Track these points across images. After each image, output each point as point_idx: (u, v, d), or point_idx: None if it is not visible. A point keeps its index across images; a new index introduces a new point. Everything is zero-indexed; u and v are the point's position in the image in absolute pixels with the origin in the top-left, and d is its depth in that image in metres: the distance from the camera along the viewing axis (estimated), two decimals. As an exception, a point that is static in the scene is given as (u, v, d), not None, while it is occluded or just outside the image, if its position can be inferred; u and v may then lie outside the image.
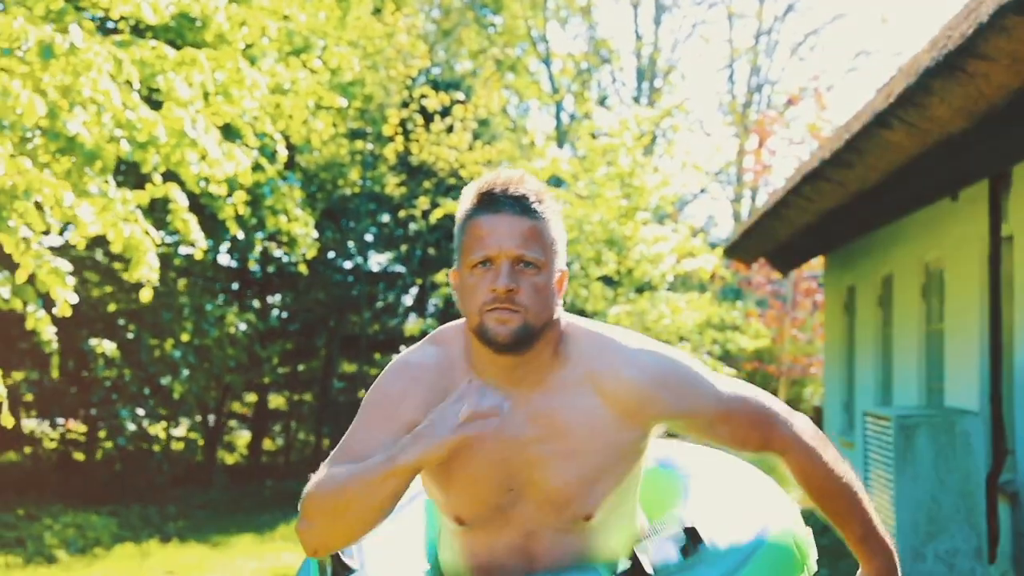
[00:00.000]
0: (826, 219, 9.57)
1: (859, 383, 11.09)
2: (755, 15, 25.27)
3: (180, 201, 8.33)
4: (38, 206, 7.11)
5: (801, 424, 2.41)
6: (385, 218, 16.55)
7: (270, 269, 15.75)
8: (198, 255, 9.41)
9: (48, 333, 7.24)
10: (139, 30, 11.74)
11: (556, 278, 2.33)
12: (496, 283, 2.24)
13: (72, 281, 7.04)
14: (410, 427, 2.27)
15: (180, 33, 11.84)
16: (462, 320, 2.41)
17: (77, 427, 13.23)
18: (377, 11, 16.58)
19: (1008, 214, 6.94)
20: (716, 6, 26.59)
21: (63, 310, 6.86)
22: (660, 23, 24.53)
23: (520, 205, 2.27)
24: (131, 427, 12.30)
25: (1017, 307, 6.85)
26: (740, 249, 13.01)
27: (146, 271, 7.58)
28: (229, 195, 10.05)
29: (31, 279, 7.16)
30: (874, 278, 10.60)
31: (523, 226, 2.26)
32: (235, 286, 15.74)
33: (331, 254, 16.25)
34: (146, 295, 8.08)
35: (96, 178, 7.56)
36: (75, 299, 7.00)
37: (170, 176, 9.81)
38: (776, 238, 11.31)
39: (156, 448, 13.15)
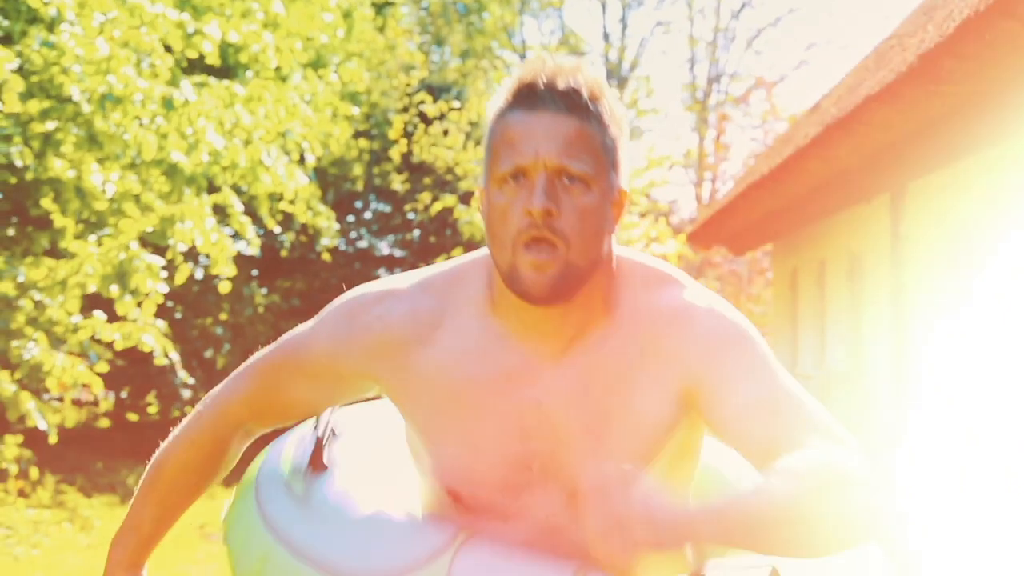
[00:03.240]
0: (774, 214, 11.72)
1: (801, 348, 13.26)
2: (713, 11, 27.33)
3: (237, 207, 10.36)
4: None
5: (831, 454, 1.64)
6: (387, 209, 18.54)
7: (285, 255, 17.77)
8: (254, 248, 11.44)
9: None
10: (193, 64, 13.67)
11: (613, 199, 1.78)
12: (530, 202, 1.71)
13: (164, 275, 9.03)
14: (361, 374, 1.88)
15: (223, 57, 13.78)
16: (477, 254, 1.89)
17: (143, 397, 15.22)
18: (380, 29, 18.53)
19: (904, 217, 9.08)
20: (677, 2, 28.62)
21: (156, 299, 8.53)
22: (626, 23, 26.61)
23: (567, 101, 1.73)
24: (186, 393, 14.35)
25: (910, 287, 9.01)
26: (702, 235, 15.15)
27: (226, 269, 9.54)
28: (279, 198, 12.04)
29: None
30: (812, 262, 12.77)
31: (568, 128, 1.72)
32: (257, 271, 17.74)
33: (340, 241, 18.26)
34: (225, 287, 10.11)
35: (193, 196, 9.57)
36: (165, 288, 8.84)
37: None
38: (732, 228, 13.46)
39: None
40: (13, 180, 8.50)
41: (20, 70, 7.37)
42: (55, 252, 8.96)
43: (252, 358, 1.95)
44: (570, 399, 1.79)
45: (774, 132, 25.46)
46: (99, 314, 7.87)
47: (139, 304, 8.03)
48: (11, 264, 7.46)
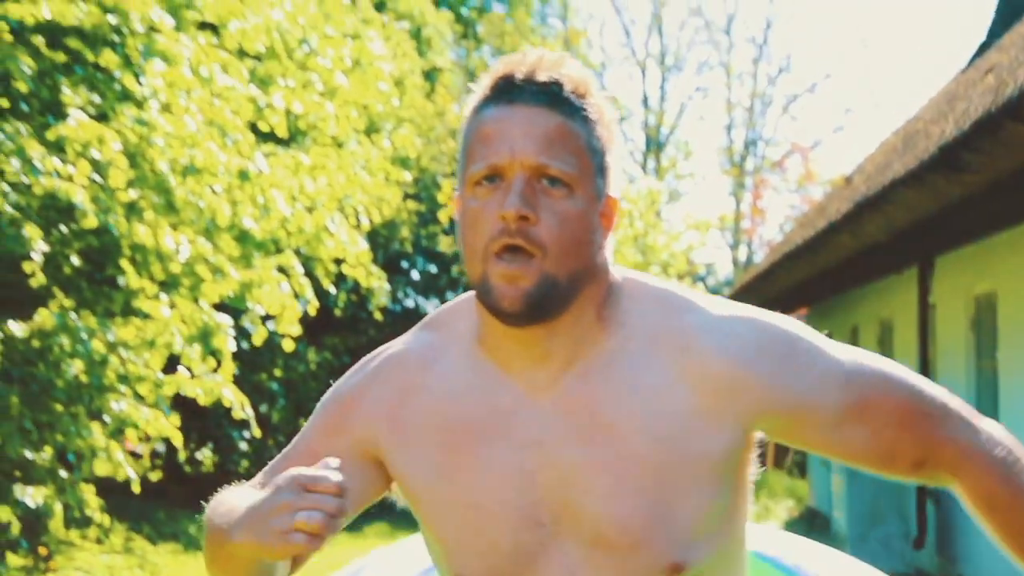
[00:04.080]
0: (809, 282, 12.30)
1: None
2: (751, 77, 27.99)
3: (297, 268, 11.01)
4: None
5: (988, 430, 1.59)
6: (433, 269, 19.17)
7: (339, 313, 18.41)
8: (311, 311, 12.07)
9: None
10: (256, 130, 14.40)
11: (600, 208, 1.59)
12: (503, 205, 1.53)
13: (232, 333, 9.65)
14: (363, 441, 1.69)
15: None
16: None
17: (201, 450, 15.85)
18: (429, 95, 19.24)
19: (932, 288, 9.62)
20: (715, 68, 29.33)
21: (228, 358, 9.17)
22: (665, 88, 27.31)
23: (547, 95, 1.56)
24: (243, 446, 14.96)
25: (940, 350, 9.52)
26: (739, 299, 15.70)
27: (292, 328, 10.16)
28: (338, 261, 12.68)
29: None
30: (845, 327, 13.30)
31: (548, 124, 1.54)
32: (309, 330, 18.40)
33: (386, 300, 18.91)
34: (289, 345, 10.73)
35: (263, 260, 10.22)
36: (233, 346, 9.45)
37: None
38: (768, 293, 14.02)
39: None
40: (96, 243, 9.19)
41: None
42: (130, 311, 9.61)
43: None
44: (574, 433, 1.56)
45: (810, 196, 26.02)
46: (183, 370, 8.50)
47: (218, 362, 8.65)
48: (103, 324, 8.09)
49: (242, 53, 10.31)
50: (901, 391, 1.58)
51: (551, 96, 1.56)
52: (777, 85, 27.79)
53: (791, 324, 1.64)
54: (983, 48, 11.31)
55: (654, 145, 26.97)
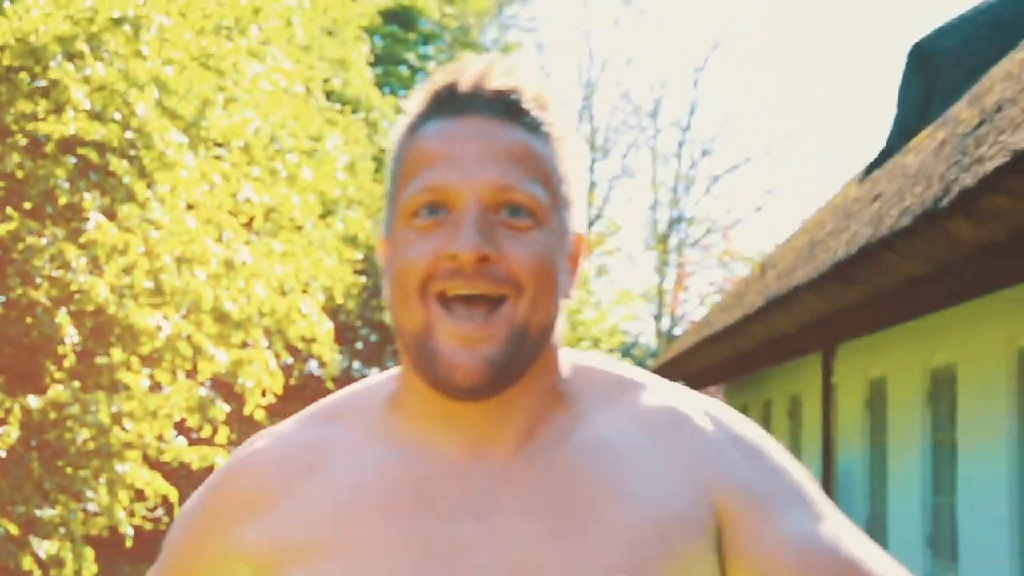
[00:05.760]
0: (727, 360, 13.69)
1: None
2: (675, 157, 29.58)
3: (262, 342, 12.18)
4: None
5: None
6: (374, 338, 20.34)
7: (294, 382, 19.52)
8: (289, 382, 13.22)
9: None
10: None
11: (569, 247, 1.25)
12: (455, 242, 1.16)
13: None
14: (224, 558, 1.29)
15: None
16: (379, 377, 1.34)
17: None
18: (377, 179, 20.50)
19: (835, 371, 11.01)
20: (641, 148, 30.92)
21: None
22: (594, 170, 28.83)
23: (503, 105, 1.21)
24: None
25: (841, 427, 10.91)
26: (663, 372, 17.07)
27: (265, 399, 11.27)
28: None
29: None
30: (759, 401, 14.71)
31: (509, 138, 1.20)
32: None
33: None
34: (259, 414, 11.87)
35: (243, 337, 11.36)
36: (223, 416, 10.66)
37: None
38: (690, 368, 15.41)
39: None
40: (90, 324, 10.32)
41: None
42: (113, 385, 10.72)
43: None
44: (540, 519, 1.21)
45: (731, 272, 27.58)
46: (181, 440, 9.64)
47: (214, 431, 9.80)
48: (110, 398, 9.22)
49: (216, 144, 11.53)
50: (855, 535, 1.27)
51: (509, 107, 1.21)
52: (699, 167, 29.35)
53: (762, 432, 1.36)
54: (883, 156, 12.66)
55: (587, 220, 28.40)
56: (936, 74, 10.37)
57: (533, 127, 1.22)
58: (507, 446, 1.24)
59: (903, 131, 12.35)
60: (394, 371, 1.32)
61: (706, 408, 1.31)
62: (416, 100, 1.27)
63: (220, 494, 1.33)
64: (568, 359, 1.30)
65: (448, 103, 1.22)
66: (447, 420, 1.24)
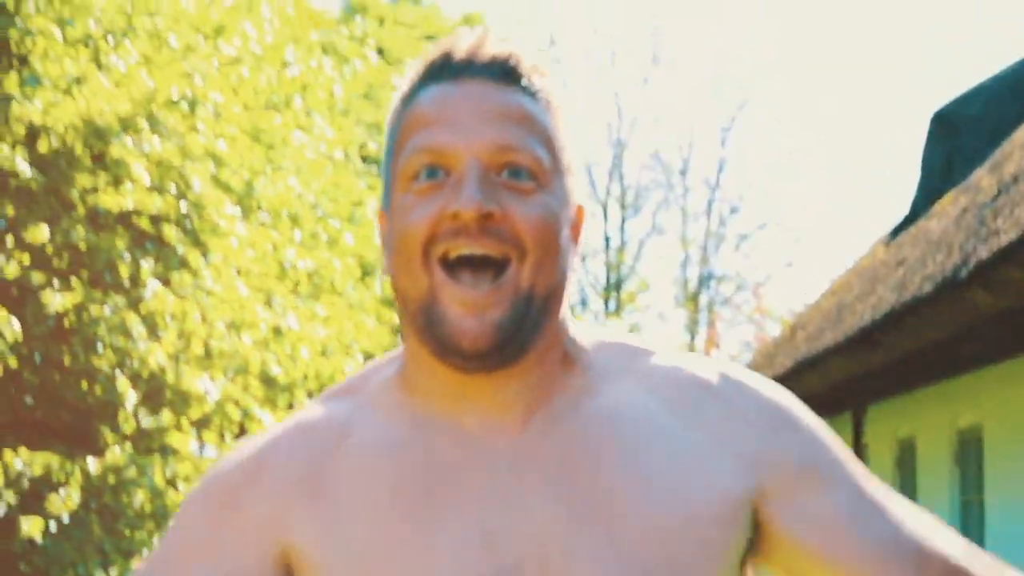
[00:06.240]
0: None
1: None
2: (704, 215, 29.88)
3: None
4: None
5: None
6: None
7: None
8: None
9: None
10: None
11: (571, 215, 1.24)
12: (456, 200, 1.16)
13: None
14: (263, 529, 1.24)
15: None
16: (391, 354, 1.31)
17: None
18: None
19: (865, 431, 11.26)
20: (671, 206, 31.27)
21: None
22: (624, 228, 29.21)
23: (501, 69, 1.22)
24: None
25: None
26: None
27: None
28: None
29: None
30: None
31: (507, 101, 1.20)
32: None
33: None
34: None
35: (289, 399, 11.73)
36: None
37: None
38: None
39: None
40: (144, 388, 10.69)
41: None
42: (163, 448, 11.08)
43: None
44: (545, 482, 1.19)
45: (763, 329, 27.79)
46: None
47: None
48: (164, 460, 9.58)
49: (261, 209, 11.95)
50: (907, 508, 1.27)
51: (506, 71, 1.21)
52: (728, 225, 29.67)
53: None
54: (909, 219, 12.92)
55: (615, 281, 28.71)
56: (957, 140, 10.70)
57: (531, 92, 1.22)
58: (521, 418, 1.22)
59: (927, 194, 12.61)
60: (395, 352, 1.31)
61: (731, 374, 1.28)
62: (411, 71, 1.26)
63: (266, 455, 1.27)
64: (581, 332, 1.29)
65: (444, 70, 1.22)
66: (458, 397, 1.23)
